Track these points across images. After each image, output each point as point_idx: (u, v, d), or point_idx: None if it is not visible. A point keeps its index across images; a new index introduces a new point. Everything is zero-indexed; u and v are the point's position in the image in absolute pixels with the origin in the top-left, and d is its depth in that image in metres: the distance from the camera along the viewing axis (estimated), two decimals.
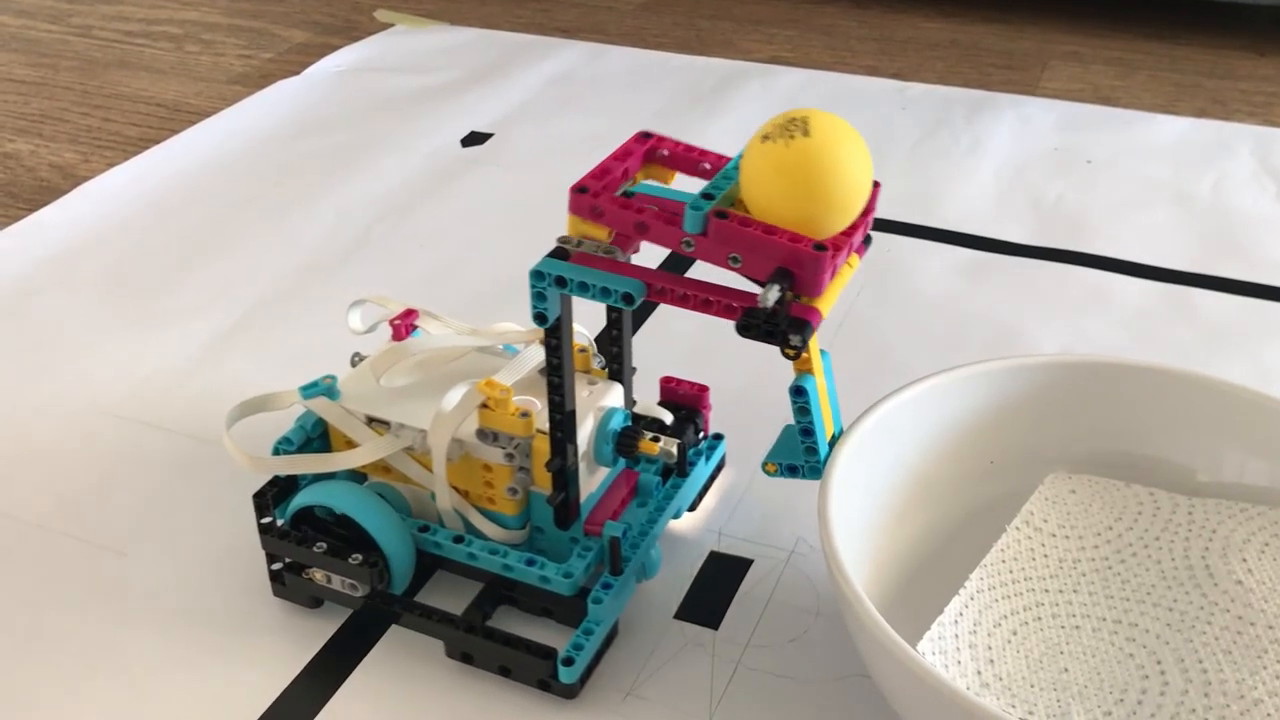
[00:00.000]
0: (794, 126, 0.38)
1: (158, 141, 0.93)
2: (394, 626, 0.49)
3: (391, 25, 1.18)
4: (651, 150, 0.44)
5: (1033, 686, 0.42)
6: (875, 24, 1.19)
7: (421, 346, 0.50)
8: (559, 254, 0.42)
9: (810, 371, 0.42)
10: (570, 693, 0.45)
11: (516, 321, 0.66)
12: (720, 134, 0.92)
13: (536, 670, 0.45)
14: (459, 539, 0.48)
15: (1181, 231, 0.78)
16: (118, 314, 0.70)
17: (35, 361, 0.66)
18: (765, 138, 0.39)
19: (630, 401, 0.51)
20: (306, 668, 0.47)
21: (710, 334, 0.66)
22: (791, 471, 0.45)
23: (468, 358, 0.52)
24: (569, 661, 0.45)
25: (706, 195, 0.40)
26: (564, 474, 0.46)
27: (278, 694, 0.46)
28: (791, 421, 0.46)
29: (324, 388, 0.49)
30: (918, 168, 0.87)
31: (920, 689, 0.37)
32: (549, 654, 0.45)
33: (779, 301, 0.38)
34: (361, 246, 0.77)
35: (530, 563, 0.47)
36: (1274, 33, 1.15)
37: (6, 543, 0.54)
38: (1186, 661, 0.43)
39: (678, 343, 0.66)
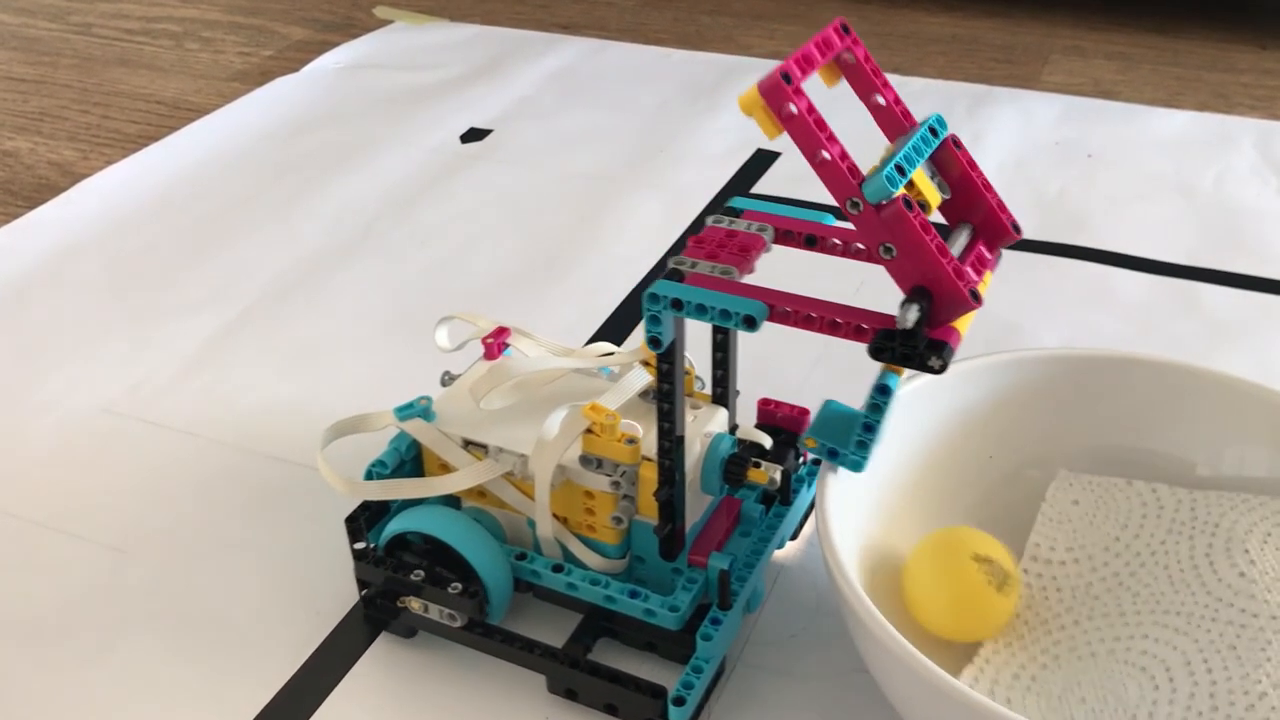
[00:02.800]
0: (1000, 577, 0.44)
1: (157, 139, 0.93)
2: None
3: (391, 22, 1.18)
4: (843, 50, 0.40)
5: None
6: (875, 19, 1.19)
7: (521, 368, 0.48)
8: (673, 275, 0.40)
9: (899, 372, 0.41)
10: None
11: (526, 321, 0.65)
12: (721, 129, 0.92)
13: (645, 709, 0.43)
14: (558, 568, 0.46)
15: (1183, 225, 0.78)
16: (117, 311, 0.70)
17: (35, 359, 0.66)
18: (977, 560, 0.43)
19: (732, 426, 0.49)
20: (303, 667, 0.47)
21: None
22: (832, 455, 0.43)
23: (565, 379, 0.49)
24: (680, 701, 0.43)
25: (900, 169, 0.36)
26: (672, 503, 0.44)
27: (274, 693, 0.46)
28: (830, 399, 0.45)
29: (420, 409, 0.47)
30: None
31: (919, 684, 0.37)
32: (659, 693, 0.43)
33: (918, 322, 0.36)
34: (362, 243, 0.77)
35: (634, 595, 0.45)
36: (1276, 26, 1.15)
37: (5, 541, 0.54)
38: (1193, 664, 0.43)
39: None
